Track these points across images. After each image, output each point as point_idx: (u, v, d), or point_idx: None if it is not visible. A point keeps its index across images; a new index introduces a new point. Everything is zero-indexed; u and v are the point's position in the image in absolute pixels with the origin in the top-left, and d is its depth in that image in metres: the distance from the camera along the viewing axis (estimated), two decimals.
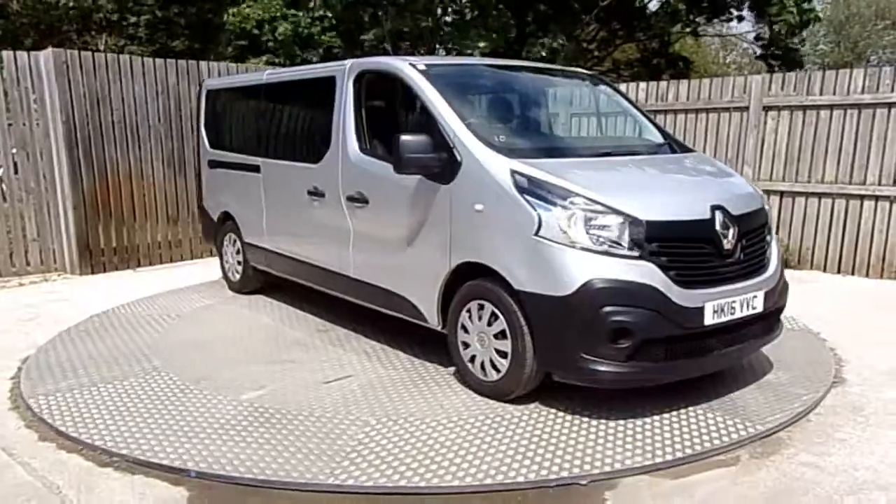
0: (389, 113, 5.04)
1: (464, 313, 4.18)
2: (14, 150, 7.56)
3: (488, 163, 4.00)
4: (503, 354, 3.96)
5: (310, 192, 5.30)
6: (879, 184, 7.33)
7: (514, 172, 3.90)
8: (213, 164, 6.82)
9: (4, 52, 7.52)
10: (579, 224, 3.67)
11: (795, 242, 7.96)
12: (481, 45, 12.83)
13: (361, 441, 3.58)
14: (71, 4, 12.13)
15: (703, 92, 8.49)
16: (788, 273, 7.44)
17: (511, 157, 4.00)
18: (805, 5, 13.54)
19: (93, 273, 7.81)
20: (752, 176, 8.05)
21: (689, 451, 3.47)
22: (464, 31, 12.67)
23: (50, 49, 7.55)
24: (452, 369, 4.50)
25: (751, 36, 19.47)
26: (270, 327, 5.65)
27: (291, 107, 5.93)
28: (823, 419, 3.91)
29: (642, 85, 9.07)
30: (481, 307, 4.07)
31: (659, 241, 3.70)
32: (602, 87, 5.95)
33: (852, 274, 7.57)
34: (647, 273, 3.62)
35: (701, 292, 3.75)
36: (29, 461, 3.45)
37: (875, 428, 3.79)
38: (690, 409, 3.94)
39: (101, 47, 16.63)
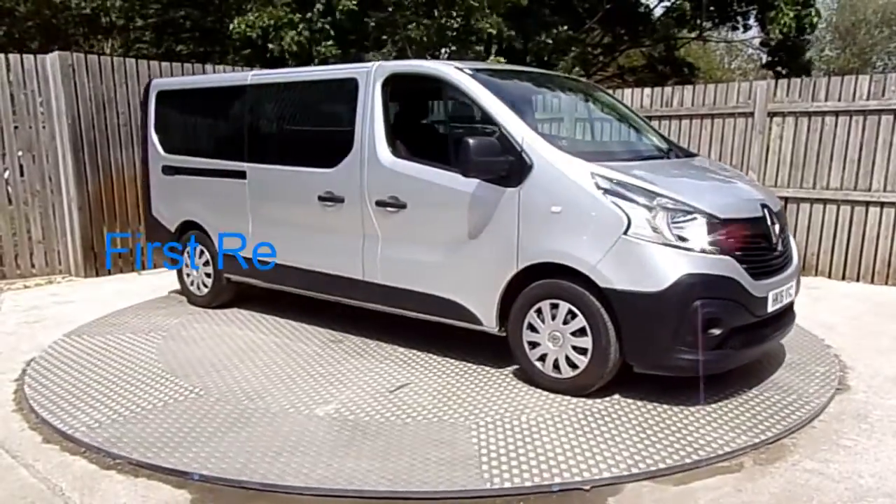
0: (425, 116, 5.64)
1: (532, 313, 4.26)
2: (20, 153, 7.59)
3: (565, 166, 4.14)
4: (582, 351, 4.10)
5: (322, 198, 5.11)
6: (885, 190, 7.31)
7: (594, 175, 4.07)
8: (170, 171, 6.32)
9: (11, 56, 7.55)
10: (667, 223, 3.90)
11: (800, 249, 7.93)
12: (482, 49, 12.87)
13: (484, 445, 3.56)
14: (80, 4, 12.17)
15: (707, 98, 8.48)
16: None
17: (587, 161, 4.18)
18: (802, 10, 13.52)
19: (97, 275, 7.83)
20: (757, 182, 8.03)
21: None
22: (466, 35, 12.69)
23: (56, 52, 7.59)
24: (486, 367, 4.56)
25: (756, 42, 19.47)
26: (274, 342, 5.28)
27: (292, 110, 5.68)
28: (828, 426, 3.89)
29: (647, 91, 9.07)
30: (554, 306, 4.17)
31: (733, 237, 4.02)
32: (600, 93, 6.12)
33: (857, 280, 7.54)
34: (729, 267, 3.92)
35: (765, 283, 4.11)
36: (33, 463, 3.46)
37: (880, 435, 3.77)
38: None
39: (108, 51, 16.70)
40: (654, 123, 8.76)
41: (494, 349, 4.73)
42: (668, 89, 9.01)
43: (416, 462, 3.40)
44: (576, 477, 3.27)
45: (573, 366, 4.14)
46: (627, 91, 9.36)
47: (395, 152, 4.82)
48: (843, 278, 7.64)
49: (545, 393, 4.24)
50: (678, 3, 16.53)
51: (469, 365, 4.74)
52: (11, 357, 5.05)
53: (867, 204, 7.44)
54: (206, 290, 6.28)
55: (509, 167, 4.21)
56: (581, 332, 4.08)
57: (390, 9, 11.36)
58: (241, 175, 5.71)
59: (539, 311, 4.22)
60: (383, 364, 4.78)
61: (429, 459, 3.42)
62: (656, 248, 3.85)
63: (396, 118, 5.04)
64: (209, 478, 3.28)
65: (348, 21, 11.83)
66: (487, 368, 4.67)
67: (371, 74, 4.92)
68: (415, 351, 5.04)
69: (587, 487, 3.22)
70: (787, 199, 7.94)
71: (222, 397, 4.20)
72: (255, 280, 5.89)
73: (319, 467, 3.34)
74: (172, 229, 6.37)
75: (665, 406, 4.04)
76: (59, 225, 7.85)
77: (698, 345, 3.81)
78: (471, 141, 4.10)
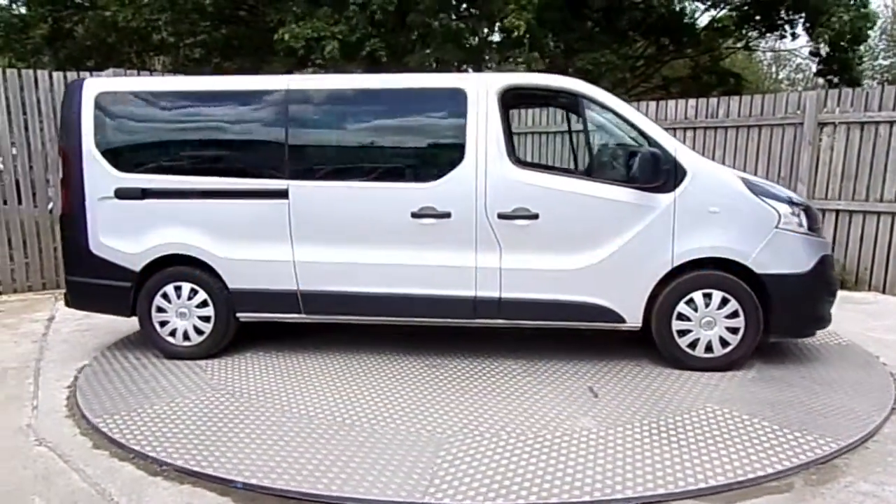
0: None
1: (682, 304, 4.77)
2: None
3: (716, 172, 4.89)
4: (734, 331, 4.76)
5: (416, 215, 4.82)
6: None
7: (742, 179, 4.86)
8: (133, 194, 5.05)
9: (67, 73, 7.83)
10: (802, 215, 4.83)
11: (852, 263, 7.71)
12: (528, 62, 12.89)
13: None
14: (132, 22, 12.61)
15: (755, 108, 8.33)
16: (844, 294, 7.30)
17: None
18: (854, 17, 13.17)
19: None
20: (807, 194, 7.84)
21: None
22: (510, 48, 12.74)
23: (111, 70, 7.85)
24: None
25: (805, 51, 19.06)
26: (369, 379, 4.71)
27: (365, 121, 5.18)
28: (882, 447, 3.76)
29: (691, 102, 8.95)
30: (707, 295, 4.75)
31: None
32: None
33: None
34: (828, 245, 5.07)
35: None
36: (83, 468, 3.56)
37: None
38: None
39: (158, 67, 17.21)
40: (699, 134, 8.67)
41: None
42: (713, 100, 8.88)
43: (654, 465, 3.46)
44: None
45: (725, 345, 4.78)
46: (671, 102, 9.25)
47: (519, 163, 4.92)
48: None
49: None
50: (724, 13, 16.31)
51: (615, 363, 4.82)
52: (65, 364, 5.21)
53: None
54: (200, 338, 5.16)
55: (668, 174, 4.65)
56: (733, 315, 4.74)
57: (421, 7, 11.45)
58: (280, 195, 4.96)
59: (690, 301, 4.76)
60: (532, 384, 4.63)
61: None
62: (801, 237, 4.81)
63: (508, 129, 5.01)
64: (252, 486, 3.32)
65: (387, 19, 11.99)
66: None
67: (484, 86, 4.87)
68: (544, 363, 5.03)
69: None
70: (838, 212, 7.74)
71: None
72: (293, 316, 5.14)
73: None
74: (137, 267, 5.09)
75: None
76: None
77: (826, 310, 4.91)
78: (648, 154, 4.61)
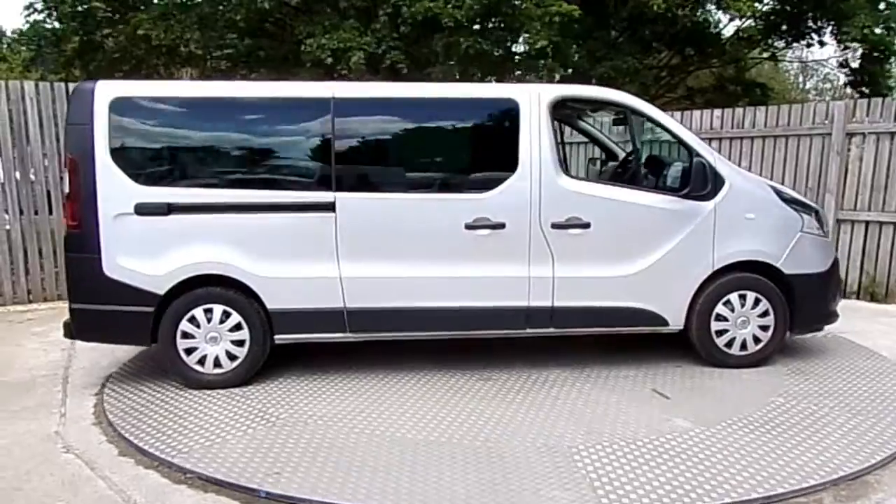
0: (595, 138, 6.30)
1: (720, 306, 5.07)
2: None
3: (750, 180, 5.35)
4: (765, 329, 5.13)
5: (471, 226, 4.77)
6: None
7: (772, 187, 5.35)
8: (154, 210, 4.60)
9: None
10: (817, 220, 5.36)
11: (882, 275, 7.57)
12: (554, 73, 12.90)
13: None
14: (161, 35, 12.85)
15: (781, 118, 8.23)
16: (874, 307, 7.17)
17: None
18: (883, 25, 13.01)
19: None
20: (835, 205, 7.73)
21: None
22: (533, 58, 12.76)
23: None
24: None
25: (833, 61, 18.84)
26: (432, 396, 4.59)
27: (416, 131, 5.11)
28: None
29: (717, 112, 8.88)
30: (742, 297, 5.08)
31: None
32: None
33: None
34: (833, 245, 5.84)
35: None
36: (110, 475, 3.60)
37: None
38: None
39: (186, 78, 17.47)
40: (725, 144, 8.59)
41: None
42: (739, 110, 8.80)
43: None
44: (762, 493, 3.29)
45: (758, 341, 5.13)
46: (696, 113, 9.18)
47: (569, 173, 5.05)
48: None
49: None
50: (749, 23, 16.16)
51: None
52: (92, 372, 5.28)
53: None
54: (233, 364, 4.76)
55: (712, 184, 4.95)
56: (765, 314, 5.10)
57: (450, 25, 11.49)
58: (326, 208, 4.72)
59: (727, 303, 5.07)
60: (597, 391, 4.71)
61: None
62: (821, 240, 5.39)
63: (558, 139, 5.14)
64: (275, 495, 3.33)
65: (413, 32, 12.07)
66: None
67: (536, 97, 4.90)
68: (591, 368, 5.16)
69: None
70: (867, 223, 7.61)
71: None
72: (337, 335, 4.88)
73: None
74: (161, 290, 4.64)
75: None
76: None
77: (836, 305, 5.41)
78: (699, 165, 4.88)
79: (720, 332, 5.11)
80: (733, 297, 5.08)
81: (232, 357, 4.76)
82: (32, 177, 7.71)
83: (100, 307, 4.67)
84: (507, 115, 4.92)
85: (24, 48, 19.88)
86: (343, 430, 4.05)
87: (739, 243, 5.03)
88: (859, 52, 14.36)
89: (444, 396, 4.63)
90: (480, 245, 4.80)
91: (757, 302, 5.09)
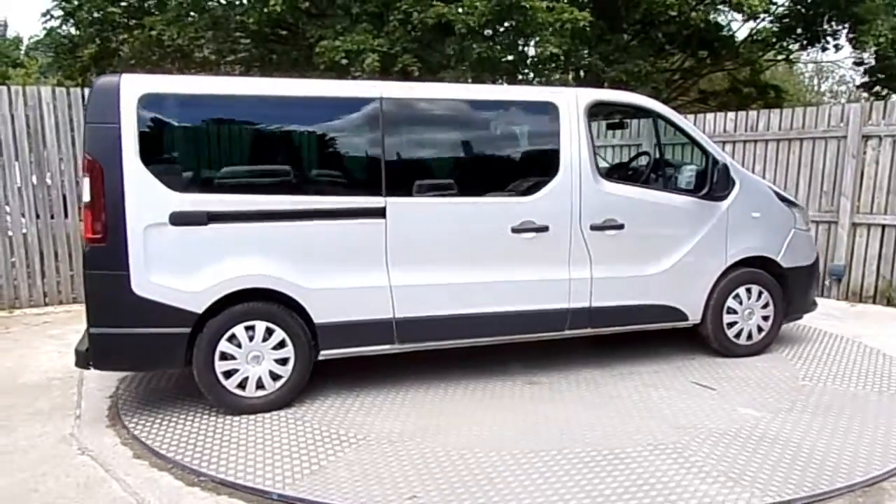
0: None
1: (731, 299, 5.39)
2: None
3: (754, 181, 5.71)
4: (766, 318, 5.53)
5: (517, 229, 4.74)
6: None
7: (770, 187, 5.80)
8: (192, 220, 4.16)
9: None
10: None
11: None
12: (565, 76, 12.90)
13: None
14: (175, 39, 12.98)
15: (796, 121, 8.17)
16: (893, 312, 7.07)
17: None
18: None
19: None
20: (851, 209, 7.66)
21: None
22: (545, 62, 12.76)
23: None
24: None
25: (849, 62, 18.67)
26: (490, 406, 4.46)
27: (461, 134, 5.02)
28: None
29: (730, 114, 8.83)
30: (748, 290, 5.44)
31: None
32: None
33: None
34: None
35: None
36: (124, 477, 3.62)
37: None
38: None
39: None
40: (738, 148, 8.54)
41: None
42: (752, 113, 8.74)
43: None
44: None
45: (760, 331, 5.54)
46: (710, 115, 9.14)
47: (603, 175, 5.11)
48: None
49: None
50: (764, 25, 16.07)
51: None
52: (107, 374, 5.29)
53: None
54: (277, 385, 4.40)
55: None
56: (766, 306, 5.49)
57: (462, 31, 11.51)
58: (376, 213, 4.49)
59: (738, 296, 5.41)
60: (649, 390, 4.81)
61: None
62: (806, 234, 5.86)
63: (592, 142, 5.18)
64: (288, 497, 3.34)
65: (425, 36, 12.10)
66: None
67: (574, 100, 4.97)
68: (621, 368, 5.27)
69: None
70: (884, 227, 7.53)
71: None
72: (384, 347, 4.65)
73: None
74: (199, 309, 4.20)
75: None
76: None
77: (815, 293, 5.96)
78: (722, 168, 5.17)
79: (731, 325, 5.44)
80: (741, 290, 5.43)
81: (275, 377, 4.39)
82: (49, 181, 7.79)
83: (127, 331, 4.14)
84: (549, 117, 4.94)
85: (41, 54, 20.14)
86: (431, 447, 3.86)
87: (747, 240, 5.39)
88: (875, 54, 14.20)
89: (501, 403, 4.56)
90: (525, 248, 4.80)
91: (760, 294, 5.48)
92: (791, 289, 5.58)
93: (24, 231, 7.67)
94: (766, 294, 5.48)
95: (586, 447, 3.84)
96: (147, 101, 4.14)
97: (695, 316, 5.35)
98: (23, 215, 7.63)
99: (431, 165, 4.96)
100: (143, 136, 4.10)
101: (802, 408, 4.41)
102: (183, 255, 4.18)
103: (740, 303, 5.43)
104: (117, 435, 4.19)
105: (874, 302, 7.56)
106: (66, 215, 7.85)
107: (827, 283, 7.95)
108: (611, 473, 3.53)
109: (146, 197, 4.10)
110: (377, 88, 4.64)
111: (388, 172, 4.52)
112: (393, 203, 4.50)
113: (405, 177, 4.61)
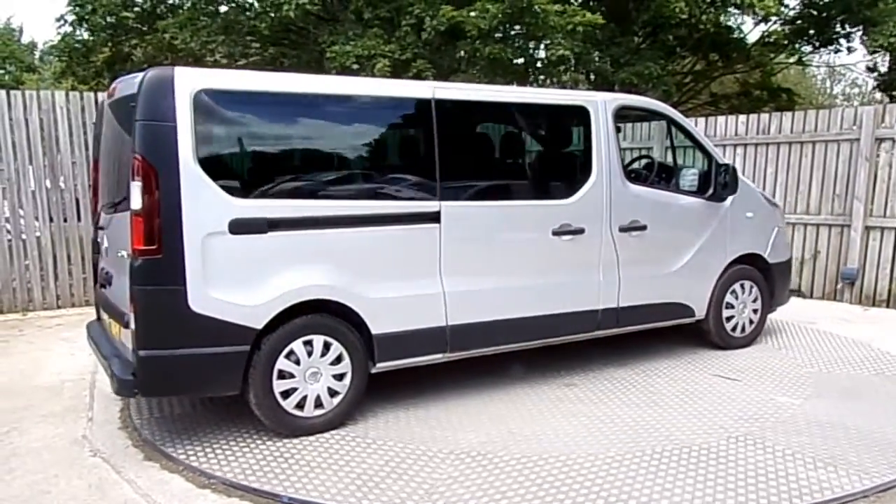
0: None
1: (728, 295, 5.71)
2: None
3: (746, 183, 5.91)
4: (755, 311, 5.91)
5: (557, 232, 4.76)
6: None
7: (759, 191, 6.22)
8: (252, 227, 3.82)
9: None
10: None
11: None
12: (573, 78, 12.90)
13: None
14: (188, 42, 13.09)
15: (808, 124, 8.12)
16: None
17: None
18: None
19: None
20: (864, 212, 7.60)
21: (885, 478, 3.35)
22: (555, 65, 12.76)
23: None
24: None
25: (862, 66, 18.54)
26: (538, 412, 4.42)
27: (508, 137, 5.20)
28: None
29: (742, 117, 8.79)
30: (742, 286, 5.79)
31: None
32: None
33: None
34: None
35: None
36: (135, 479, 3.64)
37: None
38: (798, 457, 3.71)
39: None
40: (750, 151, 8.51)
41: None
42: (764, 116, 8.70)
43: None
44: None
45: (751, 323, 5.91)
46: (721, 118, 9.10)
47: (629, 178, 5.20)
48: None
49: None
50: (775, 27, 15.99)
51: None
52: None
53: None
54: (335, 402, 4.13)
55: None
56: (755, 299, 5.88)
57: (473, 34, 11.52)
58: (431, 218, 4.34)
59: (734, 292, 5.74)
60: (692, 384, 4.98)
61: None
62: (784, 231, 6.21)
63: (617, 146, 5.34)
64: (298, 500, 3.35)
65: (435, 40, 12.13)
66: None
67: (603, 104, 5.03)
68: (652, 364, 5.45)
69: None
70: None
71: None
72: (436, 357, 4.48)
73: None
74: (259, 324, 3.87)
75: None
76: None
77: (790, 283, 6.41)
78: (732, 170, 5.45)
79: (728, 318, 5.77)
80: (737, 286, 5.76)
81: (333, 393, 4.13)
82: (62, 184, 7.86)
83: (182, 352, 3.72)
84: (582, 121, 5.01)
85: (55, 59, 20.33)
86: (516, 457, 3.75)
87: (743, 239, 5.73)
88: (888, 56, 14.09)
89: (548, 409, 4.51)
90: (563, 251, 4.86)
91: (751, 289, 5.85)
92: (774, 282, 5.97)
93: (38, 234, 7.74)
94: (755, 288, 5.87)
95: (666, 444, 3.90)
96: (202, 98, 3.75)
97: (700, 312, 5.59)
98: (36, 219, 7.70)
99: (481, 168, 4.85)
100: (198, 136, 3.71)
101: (827, 393, 4.70)
102: (242, 266, 3.84)
103: (736, 298, 5.77)
104: (129, 437, 4.21)
105: (888, 306, 7.49)
106: (79, 219, 7.91)
107: (839, 286, 7.90)
108: (716, 468, 3.61)
109: (205, 203, 3.72)
110: (430, 88, 4.49)
111: (442, 176, 4.36)
112: (447, 207, 4.37)
113: (457, 180, 4.48)
